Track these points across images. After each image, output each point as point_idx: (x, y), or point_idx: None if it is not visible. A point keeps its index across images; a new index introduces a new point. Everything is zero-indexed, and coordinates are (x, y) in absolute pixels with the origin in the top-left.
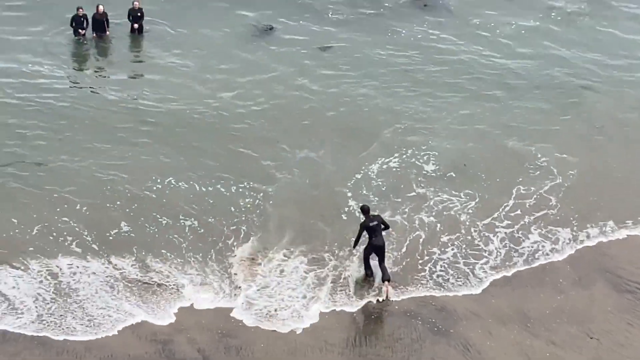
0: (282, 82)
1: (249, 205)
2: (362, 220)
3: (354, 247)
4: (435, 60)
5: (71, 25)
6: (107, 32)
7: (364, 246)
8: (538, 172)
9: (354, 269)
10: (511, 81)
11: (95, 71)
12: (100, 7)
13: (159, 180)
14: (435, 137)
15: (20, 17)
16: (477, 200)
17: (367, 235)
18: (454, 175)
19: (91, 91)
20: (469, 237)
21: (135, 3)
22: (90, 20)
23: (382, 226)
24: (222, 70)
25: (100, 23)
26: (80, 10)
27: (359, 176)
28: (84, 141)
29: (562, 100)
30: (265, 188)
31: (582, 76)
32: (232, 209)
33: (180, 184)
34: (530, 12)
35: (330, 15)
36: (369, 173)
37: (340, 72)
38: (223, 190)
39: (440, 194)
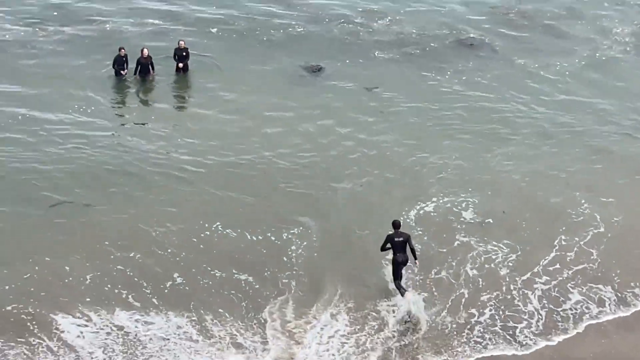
0: (328, 124)
1: (295, 255)
2: (390, 233)
3: (382, 249)
4: (477, 104)
5: (113, 66)
6: (152, 72)
7: (392, 262)
8: (581, 219)
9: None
10: (552, 127)
11: (138, 114)
12: (145, 51)
13: (206, 225)
14: (474, 183)
15: (61, 57)
16: (518, 252)
17: (392, 250)
18: (493, 223)
19: (133, 134)
20: (509, 296)
21: (181, 42)
22: (135, 63)
23: (407, 245)
24: (268, 111)
25: (145, 66)
26: (122, 50)
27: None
28: (128, 185)
29: (604, 147)
30: (310, 234)
31: (624, 123)
32: (285, 259)
33: (227, 230)
34: (575, 53)
35: (377, 55)
36: (408, 220)
37: (383, 115)
38: (272, 237)
39: (481, 244)
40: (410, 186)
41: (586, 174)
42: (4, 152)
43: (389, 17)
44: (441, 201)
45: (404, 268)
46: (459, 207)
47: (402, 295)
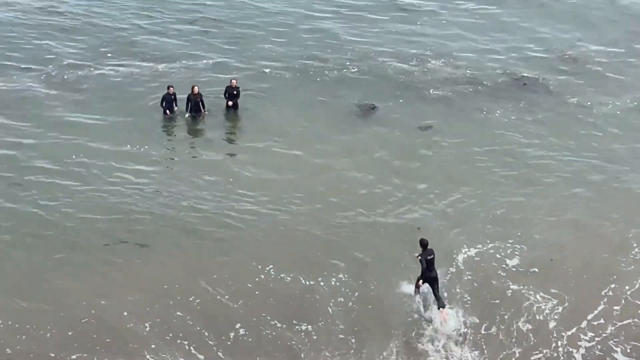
0: (379, 163)
1: (344, 306)
2: (422, 253)
3: (422, 278)
4: (525, 146)
5: (161, 104)
6: (203, 112)
7: (423, 279)
8: (631, 267)
9: None
10: (607, 165)
11: (188, 155)
12: (196, 88)
13: (259, 267)
14: (523, 226)
15: (113, 94)
16: (565, 304)
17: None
18: (540, 271)
19: (183, 176)
20: (555, 354)
21: (233, 81)
22: (184, 101)
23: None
24: (320, 150)
25: (195, 103)
26: (171, 88)
27: (452, 269)
28: (180, 226)
29: None
30: (360, 285)
31: None
32: (339, 308)
33: (281, 275)
34: (628, 91)
35: (431, 92)
36: (458, 263)
37: (437, 153)
38: (326, 282)
39: (529, 293)
40: (457, 229)
41: (638, 224)
42: (59, 187)
43: (443, 58)
44: (488, 246)
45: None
46: (506, 253)
47: (440, 307)
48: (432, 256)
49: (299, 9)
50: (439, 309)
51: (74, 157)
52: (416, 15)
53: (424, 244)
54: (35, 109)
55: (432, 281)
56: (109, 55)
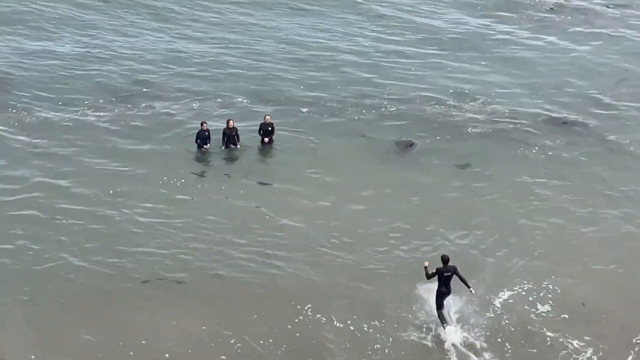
0: (417, 201)
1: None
2: (440, 267)
3: (428, 278)
4: (565, 181)
5: (196, 140)
6: (238, 145)
7: (436, 294)
8: None
9: None
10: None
11: (222, 190)
12: (231, 122)
13: (298, 307)
14: (555, 270)
15: (149, 132)
16: (600, 353)
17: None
18: (573, 316)
19: (217, 211)
20: None
21: (267, 117)
22: (220, 135)
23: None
24: (356, 187)
25: (231, 137)
26: (204, 125)
27: (489, 314)
28: (216, 261)
29: None
30: (399, 332)
31: None
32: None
33: (318, 315)
34: None
35: (469, 130)
36: (495, 307)
37: (472, 194)
38: (353, 329)
39: (567, 341)
40: (494, 270)
41: None
42: (97, 222)
43: (481, 99)
44: (524, 288)
45: (447, 298)
46: (539, 296)
47: (444, 326)
48: (449, 273)
49: (335, 48)
50: (444, 326)
51: (110, 191)
52: (454, 55)
53: (445, 259)
54: (71, 142)
55: (442, 296)
56: (145, 90)
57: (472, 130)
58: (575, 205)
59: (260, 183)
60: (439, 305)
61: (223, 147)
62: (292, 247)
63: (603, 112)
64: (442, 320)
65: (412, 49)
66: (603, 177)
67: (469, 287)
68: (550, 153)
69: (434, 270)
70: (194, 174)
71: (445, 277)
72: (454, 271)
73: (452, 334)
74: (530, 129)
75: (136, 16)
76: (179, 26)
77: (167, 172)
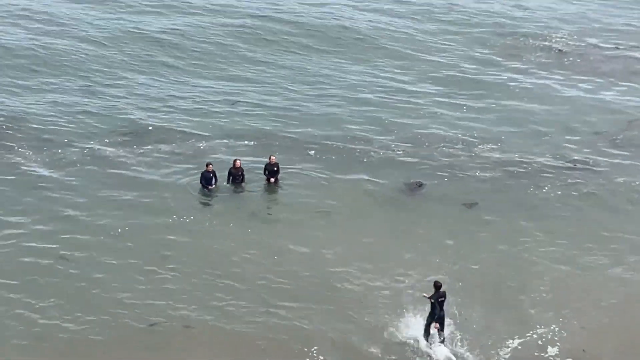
0: (427, 242)
1: None
2: (434, 294)
3: (432, 319)
4: (574, 220)
5: (200, 181)
6: (243, 184)
7: (428, 316)
8: None
9: None
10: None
11: (227, 229)
12: (237, 162)
13: (305, 350)
14: (563, 313)
15: (156, 173)
16: None
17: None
18: None
19: (220, 250)
20: None
21: (272, 157)
22: (225, 174)
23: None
24: (364, 227)
25: (236, 176)
26: (210, 166)
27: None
28: (220, 306)
29: None
30: None
31: None
32: None
33: (321, 357)
34: None
35: (477, 174)
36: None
37: (483, 232)
38: None
39: None
40: (505, 315)
41: None
42: (104, 265)
43: (491, 143)
44: (530, 333)
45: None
46: (548, 339)
47: (429, 343)
48: (443, 298)
49: (343, 88)
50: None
51: (119, 230)
52: (462, 99)
53: (437, 285)
54: (78, 184)
55: (440, 320)
56: (151, 129)
57: (481, 174)
58: (581, 251)
59: (265, 224)
60: (428, 325)
61: (229, 186)
62: (297, 289)
63: (613, 154)
64: (427, 333)
65: (418, 93)
66: (612, 222)
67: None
68: (559, 197)
69: (432, 300)
70: (197, 215)
71: (440, 302)
72: (444, 295)
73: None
74: (540, 173)
75: (145, 52)
76: (188, 64)
77: (173, 210)
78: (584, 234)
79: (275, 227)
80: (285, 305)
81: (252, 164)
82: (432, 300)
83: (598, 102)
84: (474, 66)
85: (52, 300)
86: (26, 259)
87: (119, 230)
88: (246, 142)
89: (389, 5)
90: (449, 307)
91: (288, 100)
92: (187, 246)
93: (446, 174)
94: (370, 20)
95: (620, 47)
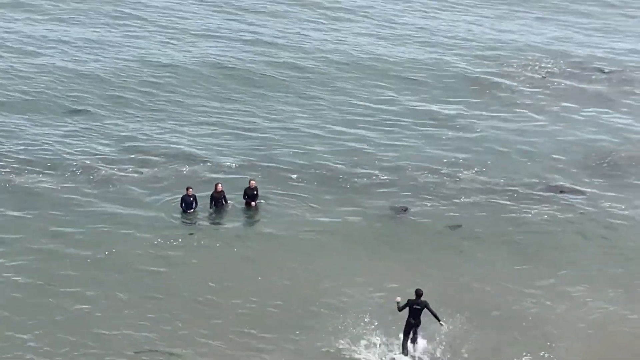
0: (411, 263)
1: None
2: (411, 300)
3: (399, 310)
4: (561, 244)
5: (180, 205)
6: (227, 207)
7: (405, 323)
8: None
9: None
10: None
11: (208, 252)
12: (219, 186)
13: None
14: (550, 335)
15: (138, 197)
16: None
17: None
18: None
19: (203, 273)
20: None
21: (252, 182)
22: (208, 198)
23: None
24: (351, 254)
25: (218, 200)
26: (190, 190)
27: None
28: (209, 325)
29: None
30: None
31: None
32: None
33: None
34: None
35: (462, 200)
36: None
37: (466, 253)
38: None
39: None
40: (487, 337)
41: None
42: (87, 293)
43: (476, 168)
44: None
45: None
46: None
47: (405, 354)
48: (419, 307)
49: (326, 115)
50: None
51: (106, 252)
52: (447, 125)
53: (418, 293)
54: (59, 207)
55: (413, 327)
56: (132, 156)
57: (465, 199)
58: (559, 279)
59: (248, 247)
60: (406, 333)
61: (211, 210)
62: (282, 317)
63: (597, 180)
64: (404, 348)
65: (403, 119)
66: (592, 250)
67: (439, 321)
68: (543, 223)
69: (405, 302)
70: (179, 239)
71: (415, 309)
72: (425, 305)
73: None
74: (524, 199)
75: (122, 79)
76: (168, 92)
77: (155, 237)
78: (564, 261)
79: (257, 249)
80: (271, 327)
81: (233, 188)
82: (400, 305)
83: (582, 129)
84: (457, 92)
85: (38, 331)
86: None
87: (100, 256)
88: (227, 164)
89: (367, 31)
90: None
91: (270, 127)
92: (172, 271)
93: (431, 199)
94: (351, 45)
95: (606, 69)
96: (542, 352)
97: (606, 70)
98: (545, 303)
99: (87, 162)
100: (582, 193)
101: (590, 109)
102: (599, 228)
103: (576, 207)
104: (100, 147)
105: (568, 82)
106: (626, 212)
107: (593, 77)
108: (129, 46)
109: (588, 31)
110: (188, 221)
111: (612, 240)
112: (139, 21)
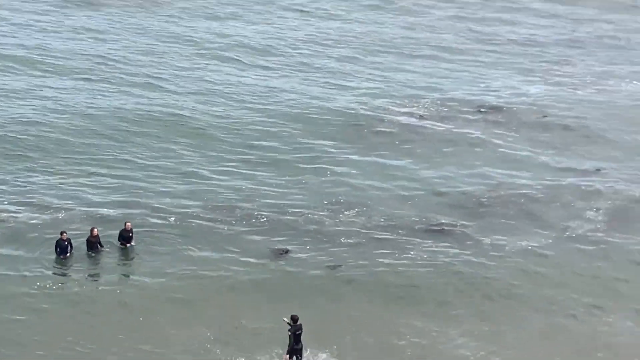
0: (291, 303)
1: None
2: (291, 328)
3: (288, 350)
4: (442, 279)
5: (55, 250)
6: (100, 249)
7: (288, 349)
8: None
9: None
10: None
11: (85, 297)
12: (95, 231)
13: None
14: None
15: (12, 243)
16: None
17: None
18: None
19: (75, 319)
20: None
21: (128, 224)
22: (83, 244)
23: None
24: (229, 296)
25: (94, 244)
26: (64, 234)
27: None
28: None
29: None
30: None
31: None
32: None
33: None
34: (545, 232)
35: (342, 240)
36: None
37: (346, 292)
38: None
39: None
40: None
41: None
42: None
43: (356, 208)
44: None
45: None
46: None
47: None
48: (300, 331)
49: (200, 155)
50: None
51: None
52: (327, 165)
53: (294, 319)
54: None
55: (298, 352)
56: (5, 202)
57: (346, 241)
58: (443, 320)
59: (123, 288)
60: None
61: (88, 253)
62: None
63: (479, 215)
64: None
65: (281, 159)
66: (477, 288)
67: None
68: (425, 256)
69: (289, 330)
70: (55, 282)
71: (297, 334)
72: (301, 328)
73: None
74: (405, 237)
75: None
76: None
77: (33, 280)
78: (446, 302)
79: (129, 296)
80: None
81: (110, 231)
82: (290, 333)
83: (457, 171)
84: (338, 132)
85: None
86: None
87: None
88: (105, 209)
89: (243, 64)
90: None
91: (149, 172)
92: (50, 319)
93: (311, 240)
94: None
95: (483, 109)
96: None
97: (483, 110)
98: (413, 340)
99: None
100: (462, 229)
101: (463, 150)
102: (479, 265)
103: (451, 247)
104: None
105: (443, 124)
106: (497, 252)
107: (470, 117)
108: None
109: (468, 69)
110: (63, 267)
111: (497, 277)
112: None
